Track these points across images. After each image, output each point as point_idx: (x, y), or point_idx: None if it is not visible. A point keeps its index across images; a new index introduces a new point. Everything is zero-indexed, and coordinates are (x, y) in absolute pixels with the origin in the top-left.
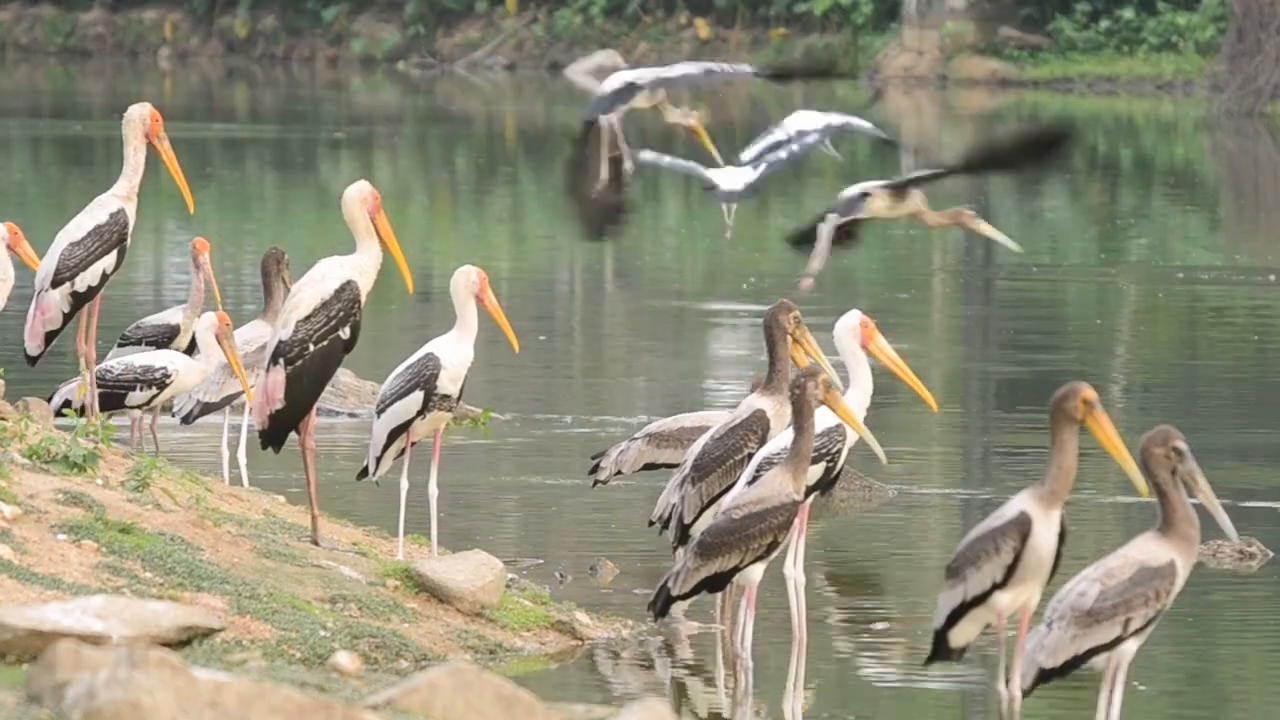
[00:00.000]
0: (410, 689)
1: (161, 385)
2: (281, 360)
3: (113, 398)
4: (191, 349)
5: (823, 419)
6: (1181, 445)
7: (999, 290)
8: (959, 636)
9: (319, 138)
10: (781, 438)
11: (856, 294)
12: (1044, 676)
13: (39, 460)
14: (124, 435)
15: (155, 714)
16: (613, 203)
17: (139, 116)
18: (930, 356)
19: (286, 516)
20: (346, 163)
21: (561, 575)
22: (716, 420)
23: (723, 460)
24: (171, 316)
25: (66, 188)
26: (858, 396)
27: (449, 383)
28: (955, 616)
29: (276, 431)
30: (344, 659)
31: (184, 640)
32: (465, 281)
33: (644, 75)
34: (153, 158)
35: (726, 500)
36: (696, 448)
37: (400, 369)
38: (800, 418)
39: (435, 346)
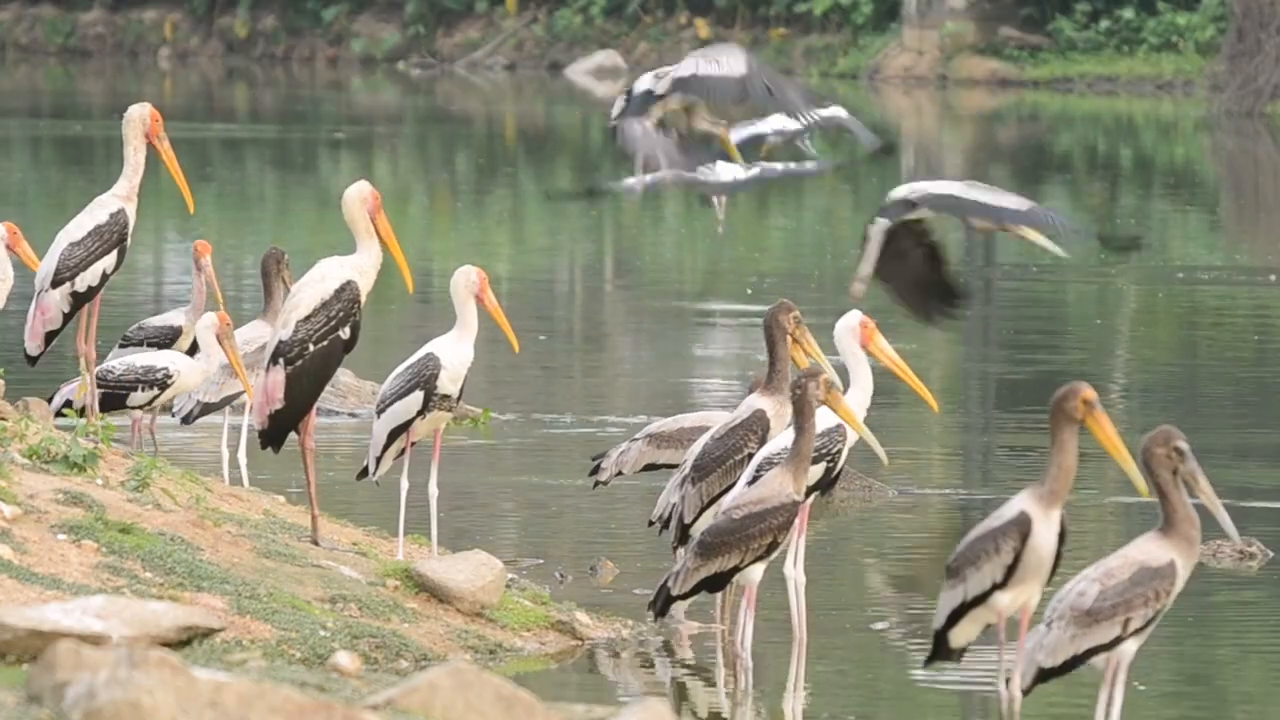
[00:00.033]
0: (410, 689)
1: (163, 386)
2: (281, 360)
3: (114, 398)
4: (193, 350)
5: (823, 419)
6: (1183, 445)
7: (999, 290)
8: (959, 637)
9: (319, 138)
10: (782, 438)
11: None
12: (1043, 676)
13: (39, 460)
14: (124, 435)
15: (155, 714)
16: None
17: (139, 116)
18: (930, 356)
19: (286, 516)
20: (346, 163)
21: (561, 575)
22: (716, 420)
23: (723, 460)
24: (174, 318)
25: (66, 188)
26: (858, 397)
27: (449, 383)
28: (955, 617)
29: (276, 431)
30: (344, 659)
31: (184, 640)
32: (465, 281)
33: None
34: (153, 158)
35: (727, 500)
36: (696, 448)
37: (400, 369)
38: (801, 418)
39: (435, 346)
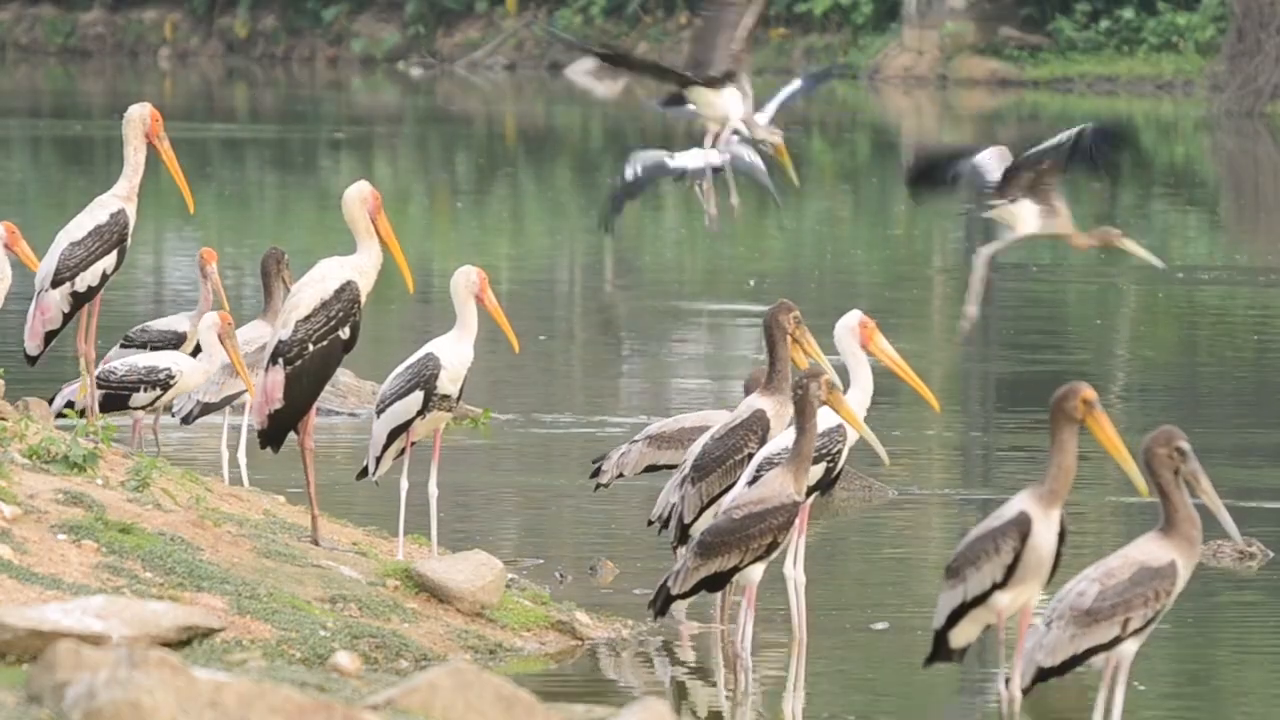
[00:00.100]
0: (410, 689)
1: (165, 386)
2: (281, 360)
3: (116, 399)
4: (196, 354)
5: (823, 419)
6: (1184, 445)
7: (999, 290)
8: (959, 637)
9: (319, 138)
10: (782, 438)
11: (856, 294)
12: (1043, 676)
13: (39, 460)
14: (124, 435)
15: (155, 714)
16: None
17: (139, 116)
18: (930, 356)
19: (286, 516)
20: (346, 163)
21: (561, 575)
22: (717, 420)
23: (723, 460)
24: (177, 323)
25: (66, 188)
26: (858, 396)
27: (449, 383)
28: (955, 617)
29: (275, 431)
30: (344, 659)
31: (184, 640)
32: (465, 281)
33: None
34: (153, 158)
35: (727, 500)
36: (696, 447)
37: (400, 369)
38: (803, 418)
39: (435, 346)
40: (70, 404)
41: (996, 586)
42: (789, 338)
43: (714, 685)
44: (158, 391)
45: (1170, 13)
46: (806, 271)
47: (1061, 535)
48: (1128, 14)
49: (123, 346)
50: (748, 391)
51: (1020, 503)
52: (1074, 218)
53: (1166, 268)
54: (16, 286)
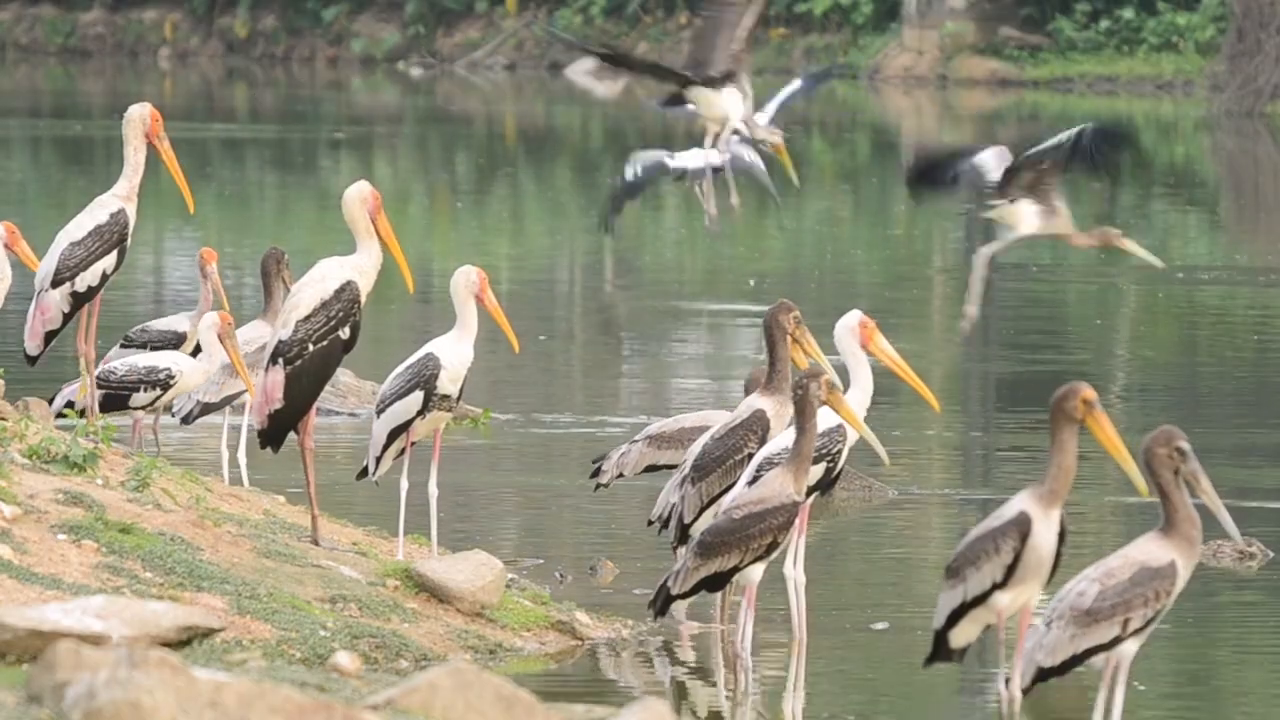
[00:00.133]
0: (410, 689)
1: (166, 386)
2: (281, 360)
3: (117, 399)
4: (196, 354)
5: (823, 419)
6: (1185, 445)
7: (999, 290)
8: (959, 637)
9: (319, 138)
10: (782, 438)
11: (856, 294)
12: (1043, 676)
13: (39, 460)
14: (124, 435)
15: (155, 714)
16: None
17: (139, 116)
18: (930, 356)
19: (286, 516)
20: (346, 163)
21: (561, 575)
22: (717, 420)
23: (723, 460)
24: (177, 323)
25: (66, 188)
26: (858, 396)
27: (449, 383)
28: (955, 617)
29: (275, 431)
30: (344, 659)
31: (184, 640)
32: (465, 281)
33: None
34: (153, 158)
35: (727, 500)
36: (696, 447)
37: (400, 369)
38: (803, 418)
39: (435, 346)
40: (70, 404)
41: (996, 586)
42: (789, 338)
43: (714, 685)
44: (158, 391)
45: (1170, 13)
46: (806, 271)
47: (1061, 535)
48: (1128, 14)
49: (123, 346)
50: (747, 391)
51: (1020, 503)
52: (1074, 218)
53: (1166, 268)
54: (15, 286)
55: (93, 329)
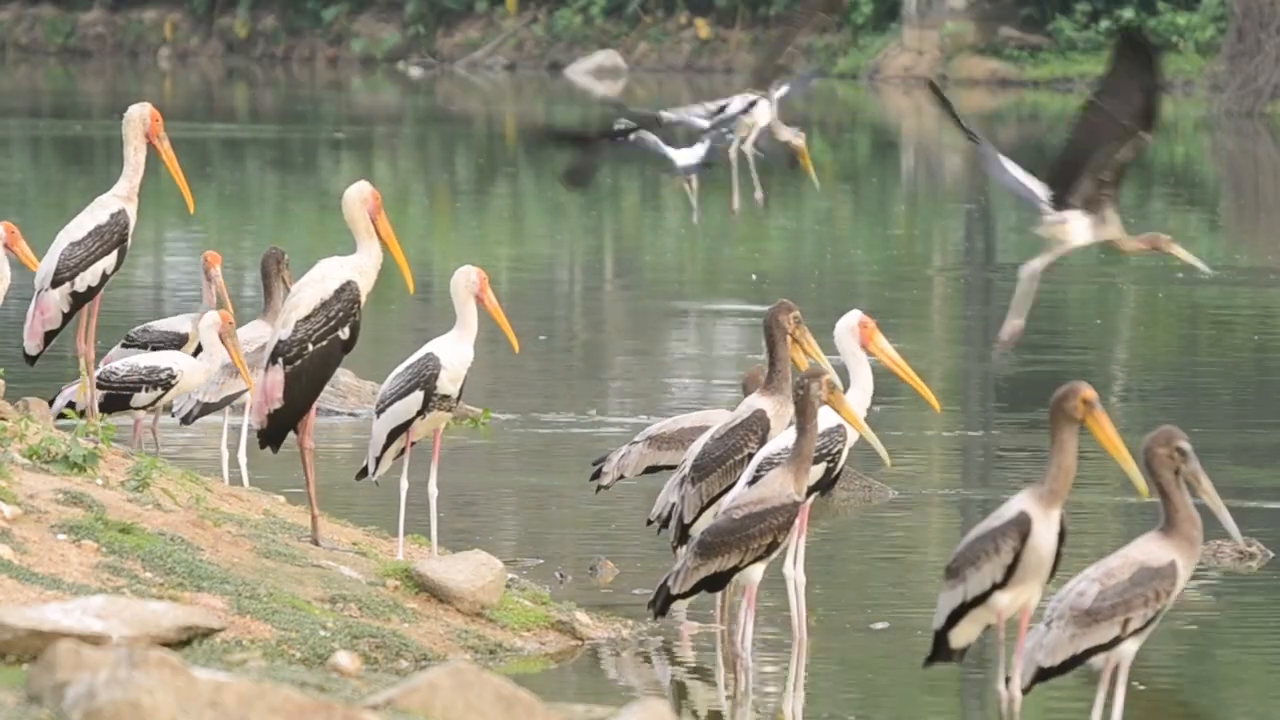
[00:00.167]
0: (410, 689)
1: (167, 386)
2: (280, 360)
3: (118, 399)
4: (197, 355)
5: (823, 419)
6: (1185, 445)
7: (999, 290)
8: (959, 637)
9: (319, 138)
10: (782, 438)
11: (856, 294)
12: (1042, 675)
13: (39, 460)
14: (124, 435)
15: (155, 714)
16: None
17: (139, 116)
18: (930, 356)
19: (286, 516)
20: (346, 163)
21: (561, 575)
22: (716, 420)
23: (723, 460)
24: (180, 325)
25: (66, 188)
26: (858, 396)
27: (449, 383)
28: (955, 617)
29: (274, 431)
30: (344, 659)
31: (184, 640)
32: (465, 281)
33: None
34: (153, 158)
35: (727, 500)
36: (696, 447)
37: (400, 369)
38: (804, 419)
39: (435, 346)
40: (72, 404)
41: (996, 586)
42: (789, 338)
43: (714, 685)
44: (159, 391)
45: (1170, 13)
46: (806, 271)
47: (1061, 535)
48: (1128, 14)
49: (124, 346)
50: (745, 390)
51: (1020, 503)
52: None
53: (1214, 273)
54: (14, 286)
55: (92, 329)
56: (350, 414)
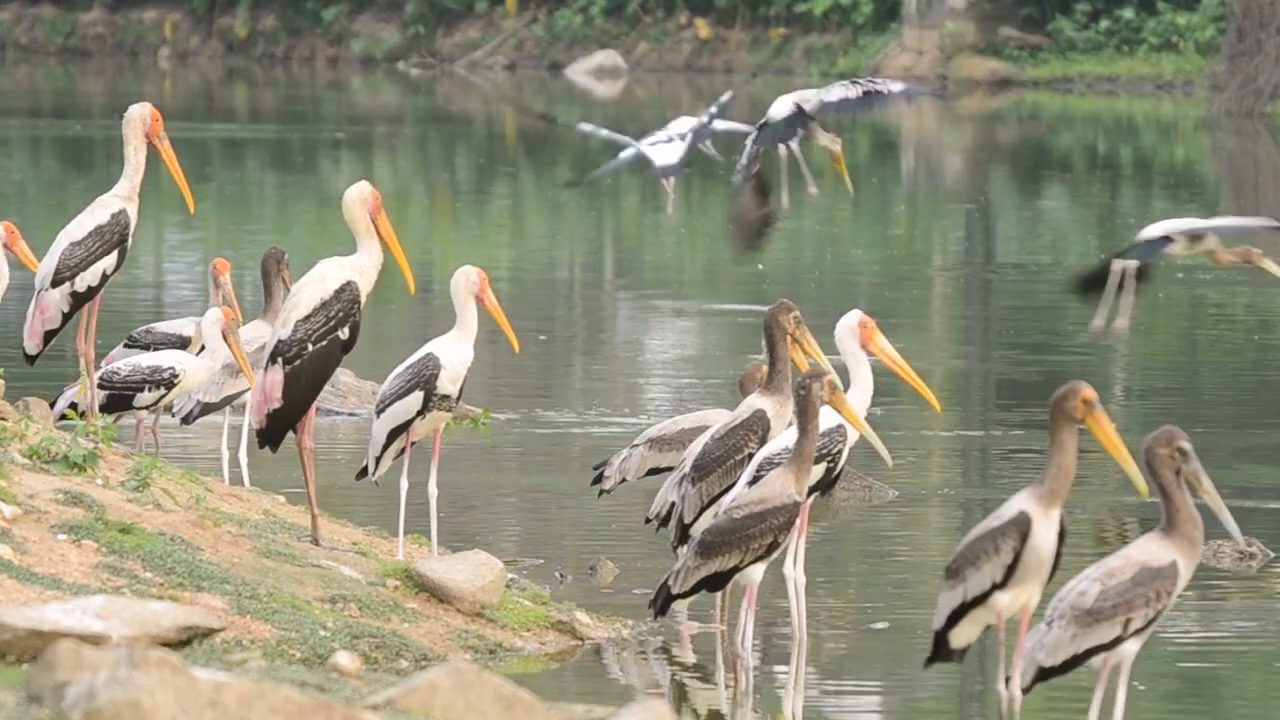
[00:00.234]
0: (410, 689)
1: (169, 385)
2: (280, 360)
3: (120, 399)
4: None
5: (824, 419)
6: (1186, 445)
7: (999, 290)
8: (959, 637)
9: (319, 138)
10: (782, 438)
11: (856, 294)
12: (1043, 675)
13: (39, 460)
14: (123, 435)
15: (155, 714)
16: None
17: (139, 116)
18: (930, 356)
19: (286, 516)
20: (346, 163)
21: (561, 575)
22: (715, 420)
23: (723, 460)
24: (183, 327)
25: (66, 188)
26: (858, 396)
27: (449, 383)
28: (955, 617)
29: (274, 431)
30: (344, 659)
31: (184, 640)
32: (465, 281)
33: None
34: (153, 158)
35: (727, 500)
36: (696, 447)
37: (400, 369)
38: (805, 419)
39: (435, 346)
40: (73, 405)
41: (996, 587)
42: (789, 338)
43: (714, 685)
44: (162, 391)
45: (1170, 13)
46: (806, 271)
47: (1061, 535)
48: (1128, 14)
49: (126, 346)
50: (741, 389)
51: (1020, 503)
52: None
53: None
54: (14, 286)
55: (92, 329)
56: (350, 414)
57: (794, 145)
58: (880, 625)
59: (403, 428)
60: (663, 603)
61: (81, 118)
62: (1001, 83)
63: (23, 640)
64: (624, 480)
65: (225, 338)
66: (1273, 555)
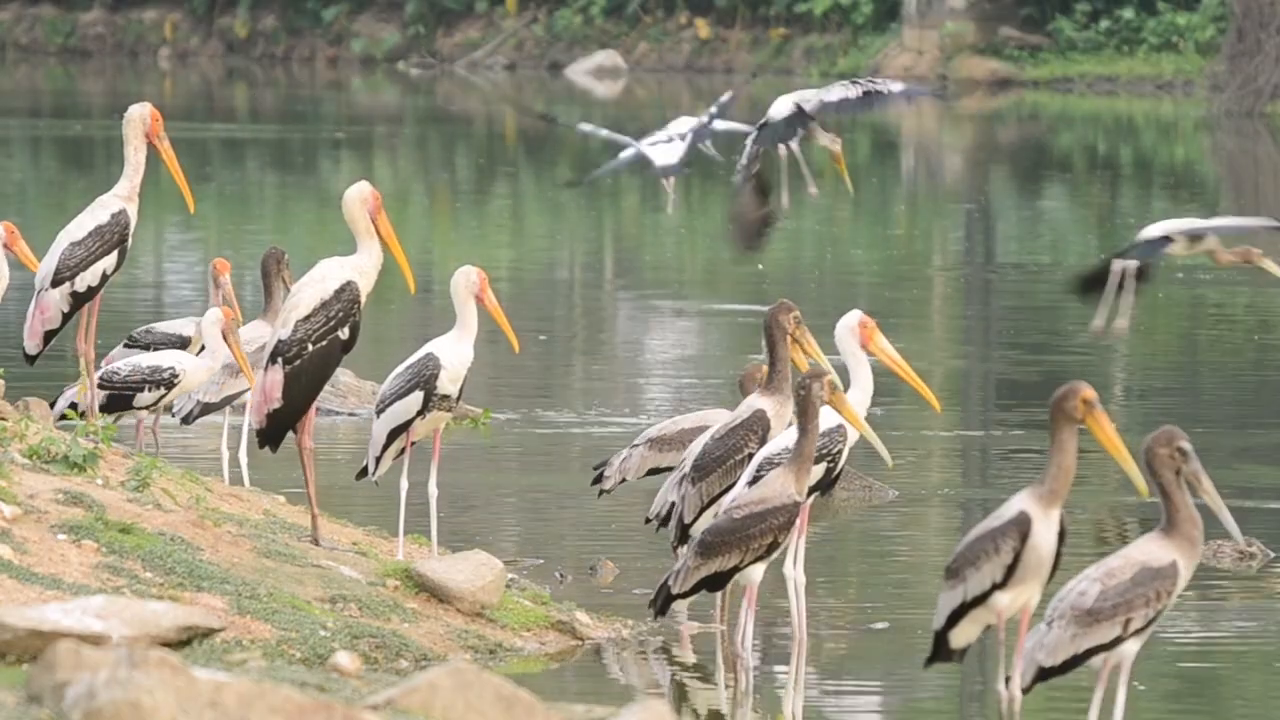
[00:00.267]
0: (410, 689)
1: (170, 385)
2: (280, 360)
3: (121, 399)
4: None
5: (824, 419)
6: (1186, 445)
7: (999, 290)
8: (959, 637)
9: (319, 138)
10: (782, 438)
11: (856, 294)
12: (1043, 675)
13: (39, 460)
14: (124, 435)
15: (155, 714)
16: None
17: (139, 116)
18: (930, 356)
19: (286, 516)
20: (346, 163)
21: (561, 575)
22: (715, 420)
23: (723, 460)
24: (183, 327)
25: (66, 188)
26: (858, 397)
27: (449, 383)
28: (955, 617)
29: (274, 431)
30: (344, 659)
31: (184, 640)
32: (465, 281)
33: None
34: (153, 158)
35: (727, 500)
36: (696, 446)
37: (400, 369)
38: (805, 419)
39: (435, 346)
40: (74, 405)
41: (996, 587)
42: (789, 338)
43: (714, 685)
44: (162, 391)
45: (1170, 13)
46: (806, 271)
47: (1061, 535)
48: (1128, 14)
49: (126, 346)
50: (741, 389)
51: (1020, 503)
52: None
53: None
54: (13, 286)
55: (92, 329)
56: (350, 414)
57: (794, 145)
58: (880, 625)
59: (403, 428)
60: (663, 603)
61: (81, 118)
62: (1001, 83)
63: (23, 640)
64: (624, 480)
65: (225, 338)
66: (1273, 555)
